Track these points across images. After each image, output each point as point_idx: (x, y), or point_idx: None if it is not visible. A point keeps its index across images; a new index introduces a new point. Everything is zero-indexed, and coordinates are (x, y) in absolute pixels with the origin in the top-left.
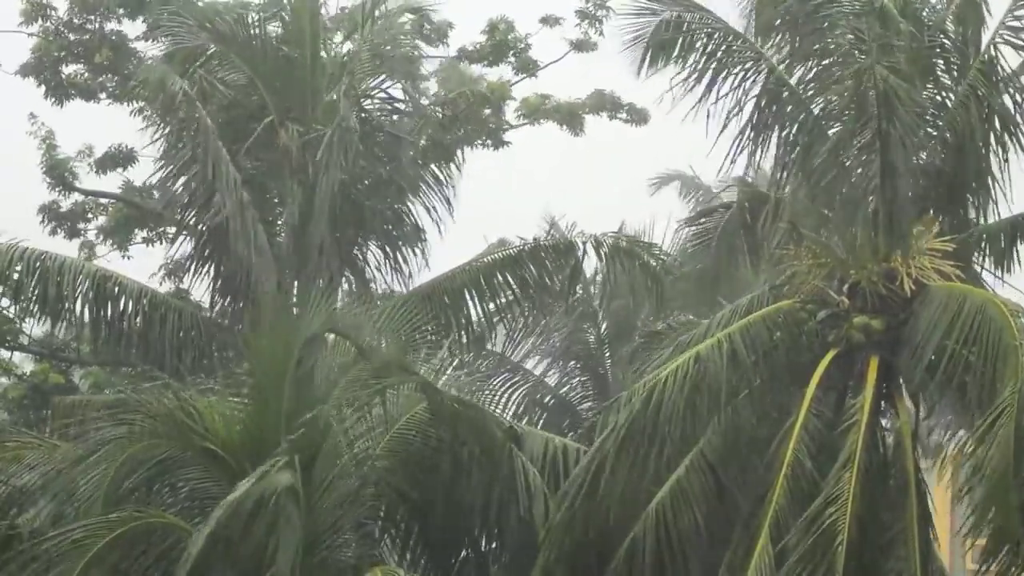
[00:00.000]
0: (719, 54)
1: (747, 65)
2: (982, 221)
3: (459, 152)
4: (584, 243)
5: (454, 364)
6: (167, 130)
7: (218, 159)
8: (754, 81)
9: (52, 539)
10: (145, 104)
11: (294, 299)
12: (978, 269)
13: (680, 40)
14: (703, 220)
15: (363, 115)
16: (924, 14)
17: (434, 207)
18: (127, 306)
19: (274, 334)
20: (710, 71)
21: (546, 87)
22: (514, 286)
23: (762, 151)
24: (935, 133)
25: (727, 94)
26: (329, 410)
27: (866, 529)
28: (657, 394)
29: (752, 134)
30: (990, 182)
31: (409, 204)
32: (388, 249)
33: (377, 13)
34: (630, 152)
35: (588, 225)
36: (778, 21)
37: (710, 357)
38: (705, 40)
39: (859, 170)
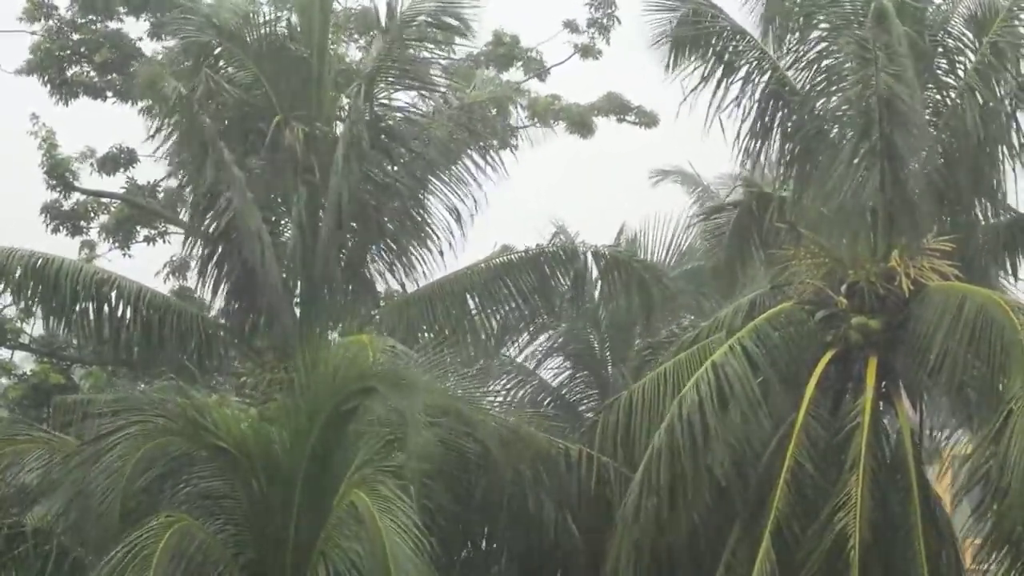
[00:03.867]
0: (727, 54)
1: (752, 65)
2: (984, 222)
3: (483, 153)
4: (585, 253)
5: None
6: (168, 131)
7: (221, 160)
8: (758, 81)
9: (116, 554)
10: (146, 104)
11: (296, 297)
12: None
13: (697, 37)
14: (716, 216)
15: (375, 118)
16: (928, 13)
17: (453, 208)
18: (125, 308)
19: (323, 365)
20: (719, 70)
21: (553, 90)
22: (514, 292)
23: (765, 151)
24: (934, 132)
25: (735, 95)
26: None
27: (878, 532)
28: (686, 409)
29: (756, 134)
30: (992, 183)
31: (422, 206)
32: (393, 251)
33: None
34: (635, 154)
35: (593, 227)
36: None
37: (728, 364)
38: (716, 39)
39: (860, 171)
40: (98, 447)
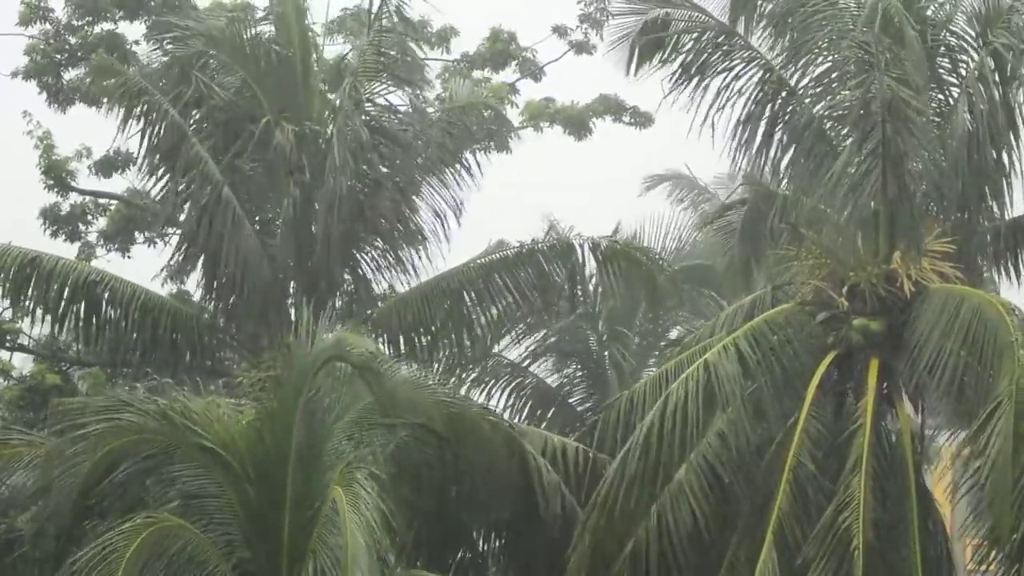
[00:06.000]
0: (708, 52)
1: (740, 64)
2: (986, 223)
3: (468, 156)
4: (582, 245)
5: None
6: (142, 128)
7: (190, 156)
8: (749, 79)
9: (84, 554)
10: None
11: (291, 298)
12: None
13: (668, 38)
14: (726, 215)
15: (364, 117)
16: (929, 12)
17: (441, 209)
18: (118, 308)
19: (295, 358)
20: (701, 69)
21: (549, 88)
22: (511, 288)
23: (761, 150)
24: (936, 132)
25: (719, 93)
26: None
27: (881, 532)
28: (672, 405)
29: (748, 133)
30: (995, 183)
31: (413, 205)
32: (387, 249)
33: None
34: (633, 150)
35: (589, 225)
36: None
37: (719, 364)
38: (695, 38)
39: (861, 172)
40: (65, 444)
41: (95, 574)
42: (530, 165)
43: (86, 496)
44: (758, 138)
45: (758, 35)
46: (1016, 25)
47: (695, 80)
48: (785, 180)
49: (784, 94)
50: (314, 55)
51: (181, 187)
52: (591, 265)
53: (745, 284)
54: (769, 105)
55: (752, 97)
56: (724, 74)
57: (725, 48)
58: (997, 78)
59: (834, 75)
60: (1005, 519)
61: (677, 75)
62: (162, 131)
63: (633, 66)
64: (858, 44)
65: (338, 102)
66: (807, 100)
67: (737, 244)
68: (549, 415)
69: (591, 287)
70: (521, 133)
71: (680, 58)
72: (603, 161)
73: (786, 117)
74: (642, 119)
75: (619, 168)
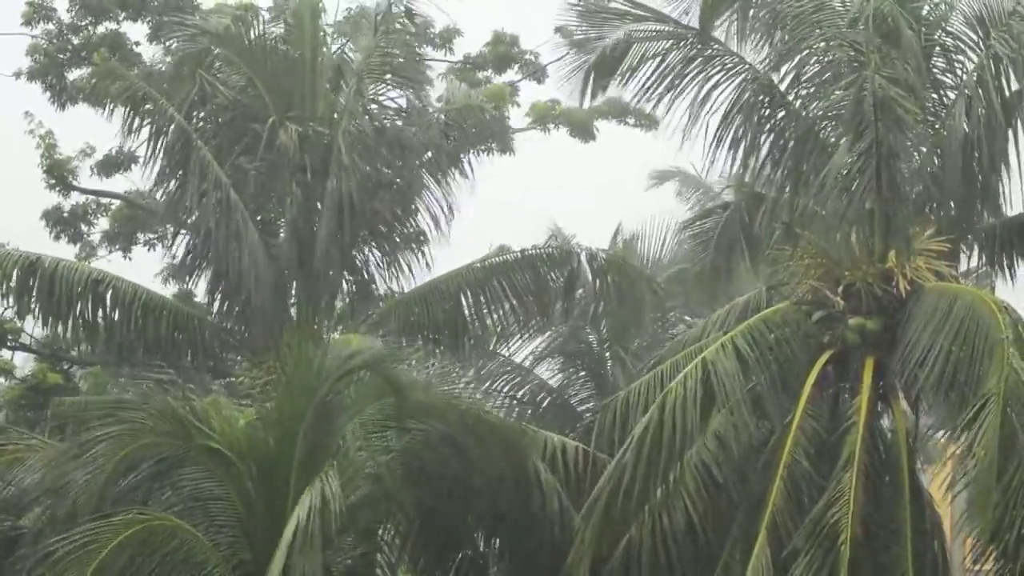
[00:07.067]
0: (688, 58)
1: (722, 70)
2: (982, 221)
3: (465, 158)
4: (579, 254)
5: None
6: (146, 130)
7: (198, 160)
8: (734, 84)
9: (56, 543)
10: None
11: (292, 298)
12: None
13: (630, 56)
14: (703, 221)
15: (367, 117)
16: (924, 12)
17: (439, 211)
18: (120, 308)
19: (307, 360)
20: (681, 75)
21: (552, 88)
22: (508, 292)
23: (753, 152)
24: (932, 132)
25: (708, 95)
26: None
27: (871, 529)
28: (670, 403)
29: (738, 136)
30: (990, 182)
31: (412, 207)
32: (388, 251)
33: (382, 18)
34: (638, 152)
35: (594, 228)
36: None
37: (718, 361)
38: (668, 48)
39: (855, 172)
40: (82, 446)
41: (66, 562)
42: (535, 167)
43: (103, 498)
44: (750, 140)
45: (746, 38)
46: (1016, 29)
47: (677, 86)
48: (777, 181)
49: (774, 95)
50: (323, 54)
51: (186, 189)
52: (588, 272)
53: (713, 293)
54: (758, 106)
55: (739, 100)
56: (708, 77)
57: (707, 54)
58: (996, 81)
59: (826, 76)
60: (987, 517)
61: (650, 83)
62: (168, 134)
63: (588, 95)
64: (849, 43)
65: (343, 102)
66: (799, 101)
67: (711, 252)
68: (549, 416)
69: (591, 292)
70: (528, 134)
71: (654, 65)
72: (608, 163)
73: (777, 117)
74: (647, 121)
75: (624, 170)
